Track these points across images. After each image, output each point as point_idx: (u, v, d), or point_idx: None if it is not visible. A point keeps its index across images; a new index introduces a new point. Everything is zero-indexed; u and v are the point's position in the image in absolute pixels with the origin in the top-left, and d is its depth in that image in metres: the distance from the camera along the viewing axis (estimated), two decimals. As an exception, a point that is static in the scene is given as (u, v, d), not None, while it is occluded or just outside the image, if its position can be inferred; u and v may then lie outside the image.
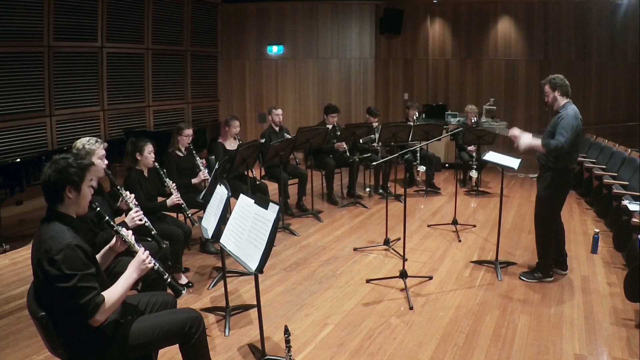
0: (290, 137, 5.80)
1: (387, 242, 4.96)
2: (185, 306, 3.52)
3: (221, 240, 2.90)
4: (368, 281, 4.13)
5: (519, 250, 4.88)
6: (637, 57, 8.55)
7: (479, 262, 4.54)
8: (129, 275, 2.18)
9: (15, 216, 6.02)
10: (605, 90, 9.04)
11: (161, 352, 2.66)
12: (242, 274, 4.28)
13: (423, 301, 3.79)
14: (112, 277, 2.44)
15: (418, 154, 6.89)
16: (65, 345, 2.03)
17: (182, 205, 4.09)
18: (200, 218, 3.65)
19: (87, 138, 3.23)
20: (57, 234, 1.97)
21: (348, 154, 6.53)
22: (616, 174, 5.91)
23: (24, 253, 4.90)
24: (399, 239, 5.00)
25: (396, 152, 6.02)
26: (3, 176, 4.97)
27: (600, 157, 6.95)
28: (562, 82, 3.91)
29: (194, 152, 4.86)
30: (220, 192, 3.31)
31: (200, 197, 4.25)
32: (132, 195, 3.32)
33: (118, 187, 3.33)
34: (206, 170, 4.81)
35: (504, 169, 4.42)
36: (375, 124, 6.83)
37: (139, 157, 3.99)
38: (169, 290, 2.53)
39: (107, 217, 2.31)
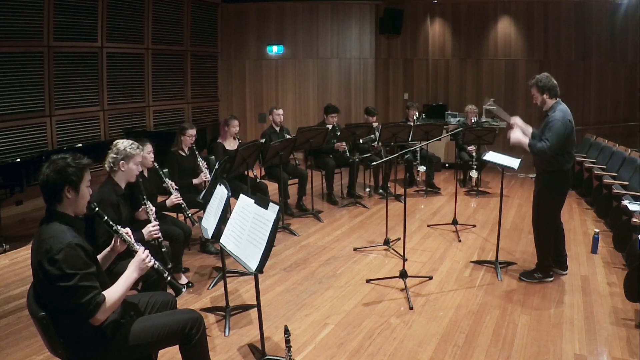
0: (290, 137, 5.80)
1: (387, 242, 4.96)
2: (185, 306, 3.53)
3: (221, 240, 2.90)
4: (368, 281, 4.13)
5: (519, 250, 4.88)
6: (637, 57, 8.55)
7: (479, 262, 4.54)
8: (129, 274, 2.18)
9: (15, 216, 6.03)
10: (605, 90, 9.04)
11: (161, 352, 2.66)
12: (242, 274, 4.28)
13: (423, 301, 3.79)
14: (112, 277, 2.44)
15: (418, 154, 6.89)
16: (65, 345, 2.03)
17: (182, 205, 4.09)
18: (200, 218, 3.65)
19: (130, 141, 3.30)
20: (57, 233, 1.97)
21: (348, 154, 6.53)
22: (616, 174, 5.91)
23: (24, 253, 4.90)
24: (399, 239, 5.00)
25: (396, 152, 6.02)
26: (3, 176, 4.97)
27: (600, 157, 6.95)
28: (549, 83, 3.83)
29: (197, 152, 4.86)
30: (220, 192, 3.31)
31: (200, 197, 4.26)
32: (154, 209, 3.35)
33: (144, 197, 3.34)
34: (207, 171, 4.82)
35: (504, 169, 4.42)
36: (375, 124, 6.83)
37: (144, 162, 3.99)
38: (169, 290, 2.53)
39: (105, 217, 2.31)
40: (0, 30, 5.98)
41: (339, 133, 6.51)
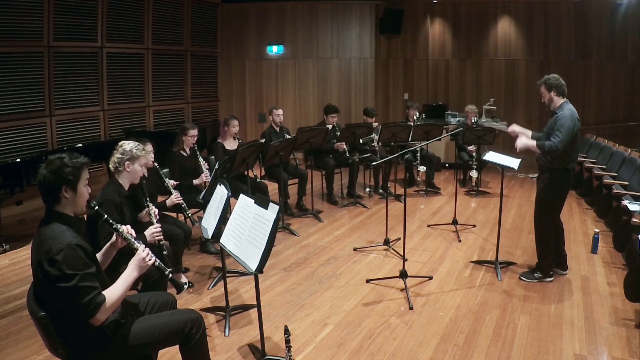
0: (290, 137, 5.80)
1: (387, 242, 4.96)
2: (185, 306, 3.53)
3: (221, 240, 2.90)
4: (368, 281, 4.14)
5: (519, 250, 4.88)
6: (637, 57, 8.55)
7: (479, 262, 4.54)
8: (129, 273, 2.18)
9: (15, 216, 6.02)
10: (605, 90, 9.04)
11: (161, 352, 2.66)
12: (242, 274, 4.28)
13: (423, 301, 3.79)
14: (117, 277, 2.44)
15: (418, 154, 6.89)
16: (66, 345, 2.03)
17: (182, 205, 4.09)
18: (200, 218, 3.65)
19: (136, 143, 3.31)
20: (56, 234, 1.97)
21: (348, 154, 6.53)
22: (616, 174, 5.91)
23: (24, 253, 4.90)
24: (399, 239, 5.00)
25: (396, 152, 6.02)
26: (3, 176, 4.97)
27: (600, 157, 6.95)
28: (557, 82, 3.89)
29: (198, 153, 4.86)
30: (220, 192, 3.31)
31: (200, 197, 4.26)
32: (156, 210, 3.34)
33: (147, 199, 3.34)
34: (208, 172, 4.81)
35: (504, 169, 4.43)
36: (374, 124, 6.83)
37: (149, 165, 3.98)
38: (169, 290, 2.53)
39: (105, 216, 2.31)
40: (0, 30, 5.98)
41: (338, 133, 6.51)
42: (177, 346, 2.33)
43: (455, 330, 3.35)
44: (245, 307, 3.66)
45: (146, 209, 3.36)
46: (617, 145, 6.78)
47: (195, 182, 4.81)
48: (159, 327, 2.22)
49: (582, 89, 9.00)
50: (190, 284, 4.09)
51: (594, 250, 4.77)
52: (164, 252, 3.19)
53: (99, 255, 2.33)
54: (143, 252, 2.23)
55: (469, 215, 6.13)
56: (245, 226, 2.72)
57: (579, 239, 5.20)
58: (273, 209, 2.56)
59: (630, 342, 3.14)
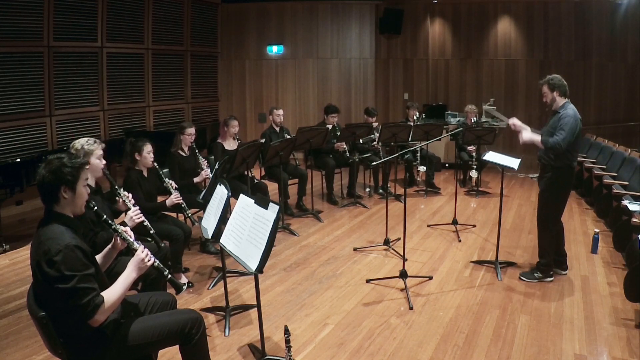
0: (290, 137, 5.80)
1: (387, 242, 4.96)
2: (185, 306, 3.53)
3: (221, 240, 2.90)
4: (368, 281, 4.13)
5: (519, 250, 4.88)
6: (637, 57, 8.55)
7: (479, 262, 4.54)
8: (129, 274, 2.18)
9: (15, 216, 6.02)
10: (605, 90, 9.03)
11: (161, 352, 2.66)
12: (242, 274, 4.28)
13: (423, 301, 3.79)
14: (112, 276, 2.44)
15: (418, 154, 6.89)
16: (65, 345, 2.03)
17: (182, 205, 4.09)
18: (200, 218, 3.65)
19: (86, 138, 3.24)
20: (55, 235, 1.97)
21: (348, 154, 6.53)
22: (616, 174, 5.91)
23: (24, 253, 4.89)
24: (399, 239, 5.00)
25: (396, 152, 6.02)
26: (3, 176, 4.97)
27: (600, 157, 6.95)
28: (560, 82, 3.93)
29: (197, 151, 4.86)
30: (220, 192, 3.31)
31: (200, 197, 4.26)
32: (130, 195, 3.31)
33: (117, 187, 3.32)
34: (209, 170, 4.82)
35: (504, 169, 4.42)
36: (375, 124, 6.83)
37: (137, 157, 3.99)
38: (169, 290, 2.53)
39: (105, 216, 2.31)
40: (0, 30, 5.98)
41: (339, 133, 6.51)
42: (177, 346, 2.33)
43: (455, 330, 3.35)
44: (245, 307, 3.66)
45: (119, 198, 3.33)
46: (617, 145, 6.78)
47: (196, 180, 4.81)
48: (158, 327, 2.22)
49: (582, 89, 8.99)
50: (190, 284, 4.10)
51: (594, 250, 4.77)
52: (151, 232, 3.17)
53: (99, 257, 2.33)
54: (142, 253, 2.23)
55: (469, 215, 6.13)
56: (245, 226, 2.72)
57: (579, 239, 5.20)
58: (273, 209, 2.56)
59: (630, 342, 3.14)
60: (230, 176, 4.94)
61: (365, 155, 6.73)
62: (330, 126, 6.46)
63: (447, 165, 8.96)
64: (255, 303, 3.01)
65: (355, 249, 4.92)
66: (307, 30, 10.01)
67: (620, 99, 8.94)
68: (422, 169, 6.91)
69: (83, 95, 7.23)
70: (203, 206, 4.09)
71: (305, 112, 10.23)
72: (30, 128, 6.46)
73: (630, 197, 4.87)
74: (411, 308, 3.66)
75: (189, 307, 3.42)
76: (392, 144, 6.42)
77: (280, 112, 6.30)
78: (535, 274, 4.12)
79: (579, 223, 5.78)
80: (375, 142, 6.73)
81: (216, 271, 4.37)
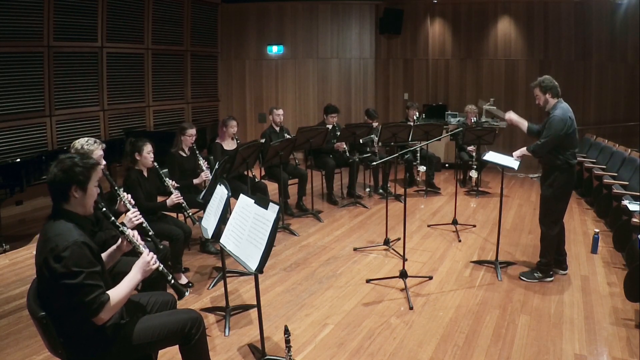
0: (290, 137, 5.80)
1: (387, 242, 4.96)
2: (185, 306, 3.53)
3: (221, 240, 2.90)
4: (368, 281, 4.13)
5: (519, 250, 4.88)
6: (637, 57, 8.55)
7: (479, 262, 4.54)
8: (134, 276, 2.18)
9: (15, 216, 6.03)
10: (605, 90, 9.03)
11: (161, 352, 2.66)
12: (242, 274, 4.28)
13: (423, 301, 3.79)
14: (113, 276, 2.44)
15: (418, 154, 6.89)
16: (66, 345, 2.03)
17: (182, 205, 4.09)
18: (201, 218, 3.65)
19: (86, 138, 3.23)
20: (63, 231, 1.97)
21: (348, 154, 6.53)
22: (616, 174, 5.91)
23: (24, 253, 4.90)
24: (399, 239, 5.00)
25: (396, 152, 6.02)
26: (3, 176, 4.97)
27: (600, 157, 6.95)
28: (551, 83, 3.94)
29: (197, 152, 4.86)
30: (220, 192, 3.31)
31: (200, 197, 4.26)
32: (129, 196, 3.31)
33: (116, 188, 3.32)
34: (208, 171, 4.82)
35: (504, 169, 4.42)
36: (375, 125, 6.83)
37: (137, 157, 3.99)
38: (169, 290, 2.53)
39: (112, 218, 2.32)
40: (0, 30, 5.98)
41: (338, 133, 6.51)
42: (177, 346, 2.33)
43: (455, 330, 3.35)
44: (245, 307, 3.66)
45: (118, 199, 3.33)
46: (617, 145, 6.78)
47: (196, 181, 4.81)
48: (158, 327, 2.22)
49: (582, 89, 8.99)
50: (190, 284, 4.10)
51: (594, 250, 4.77)
52: (150, 234, 3.17)
53: (103, 256, 2.33)
54: (148, 256, 2.24)
55: (469, 215, 6.13)
56: (245, 226, 2.72)
57: (579, 239, 5.20)
58: (273, 209, 2.56)
59: (630, 342, 3.14)
60: (230, 176, 4.94)
61: (365, 155, 6.73)
62: (330, 126, 6.46)
63: (447, 165, 8.96)
64: (255, 303, 3.01)
65: (355, 249, 4.92)
66: (307, 30, 10.01)
67: (620, 99, 8.94)
68: (422, 169, 6.91)
69: (83, 95, 7.23)
70: (203, 206, 4.09)
71: (305, 112, 10.23)
72: (30, 128, 6.46)
73: (630, 197, 4.88)
74: (411, 308, 3.66)
75: (189, 307, 3.42)
76: (392, 144, 6.42)
77: (280, 112, 6.30)
78: (535, 274, 4.12)
79: (579, 223, 5.78)
80: (375, 143, 6.72)
81: (216, 271, 4.37)
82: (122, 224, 2.90)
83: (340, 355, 3.06)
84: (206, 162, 4.93)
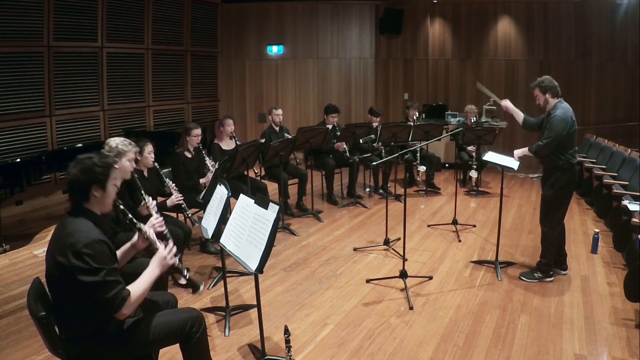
0: (290, 137, 5.80)
1: (387, 242, 4.96)
2: (185, 306, 3.53)
3: (221, 240, 2.90)
4: (368, 281, 4.14)
5: (519, 250, 4.88)
6: (637, 57, 8.54)
7: (479, 262, 4.54)
8: (152, 270, 2.21)
9: (15, 216, 6.03)
10: (605, 90, 9.03)
11: (161, 352, 2.66)
12: (242, 274, 4.28)
13: (423, 301, 3.79)
14: (124, 277, 2.44)
15: (418, 154, 6.89)
16: (67, 343, 2.03)
17: (182, 205, 4.09)
18: (200, 218, 3.65)
19: (122, 139, 3.28)
20: (84, 228, 1.99)
21: (348, 154, 6.53)
22: (616, 174, 5.91)
23: (24, 253, 4.90)
24: (399, 239, 5.00)
25: (396, 152, 6.02)
26: (3, 176, 4.97)
27: (600, 157, 6.95)
28: (550, 83, 3.94)
29: (203, 152, 4.86)
30: (220, 192, 3.31)
31: (200, 197, 4.26)
32: (154, 202, 3.33)
33: (142, 192, 3.33)
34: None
35: (503, 169, 4.42)
36: (375, 124, 6.83)
37: (138, 157, 3.99)
38: (171, 290, 2.53)
39: (130, 215, 2.33)
40: (0, 30, 5.98)
41: (339, 133, 6.51)
42: (178, 345, 2.34)
43: (455, 330, 3.35)
44: (245, 307, 3.66)
45: (143, 202, 3.35)
46: (617, 145, 6.78)
47: (202, 180, 4.82)
48: (159, 326, 2.22)
49: (582, 89, 8.99)
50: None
51: (594, 250, 4.77)
52: (169, 238, 3.19)
53: (118, 253, 2.34)
54: (164, 251, 2.26)
55: (469, 215, 6.13)
56: (245, 226, 2.72)
57: (579, 239, 5.20)
58: (273, 209, 2.56)
59: (630, 342, 3.14)
60: (230, 176, 4.94)
61: (365, 155, 6.73)
62: (330, 126, 6.46)
63: (447, 165, 8.96)
64: (255, 303, 3.01)
65: (355, 249, 4.92)
66: (307, 30, 10.01)
67: (620, 99, 8.93)
68: (422, 169, 6.91)
69: (83, 95, 7.22)
70: (203, 206, 4.09)
71: (305, 112, 10.23)
72: (30, 128, 6.45)
73: (630, 197, 4.88)
74: (411, 308, 3.66)
75: (189, 307, 3.42)
76: (392, 144, 6.42)
77: (280, 112, 6.30)
78: (535, 274, 4.12)
79: (579, 223, 5.78)
80: (375, 143, 6.73)
81: (216, 271, 4.37)
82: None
83: (340, 355, 3.06)
84: (212, 162, 4.93)
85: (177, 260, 2.34)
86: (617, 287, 3.96)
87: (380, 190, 7.06)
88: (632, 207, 4.42)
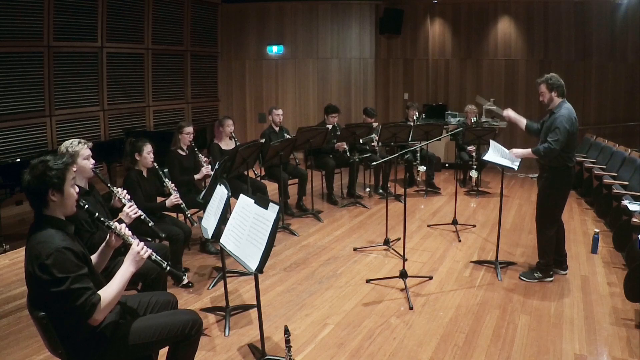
0: (290, 137, 5.80)
1: (387, 242, 4.96)
2: (185, 306, 3.54)
3: (221, 240, 2.90)
4: (368, 281, 4.13)
5: (519, 250, 4.88)
6: (637, 57, 8.54)
7: (479, 262, 4.54)
8: (125, 269, 2.14)
9: (15, 216, 6.02)
10: (605, 90, 9.03)
11: (161, 352, 2.66)
12: (242, 274, 4.28)
13: (423, 301, 3.79)
14: (111, 277, 2.43)
15: (418, 154, 6.88)
16: (65, 346, 2.03)
17: (182, 206, 4.09)
18: (200, 218, 3.65)
19: (71, 140, 3.17)
20: (45, 238, 1.95)
21: (348, 154, 6.53)
22: (616, 174, 5.91)
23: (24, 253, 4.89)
24: (399, 239, 4.99)
25: (396, 152, 6.02)
26: (3, 176, 4.97)
27: (600, 157, 6.95)
28: (558, 82, 3.91)
29: (196, 149, 4.87)
30: (220, 192, 3.31)
31: (200, 197, 4.26)
32: (124, 192, 3.29)
33: (109, 185, 3.31)
34: (209, 166, 4.83)
35: (504, 169, 4.42)
36: (374, 124, 6.83)
37: (137, 158, 3.99)
38: (170, 290, 2.53)
39: (97, 214, 2.28)
40: (0, 30, 5.98)
41: (339, 133, 6.51)
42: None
43: (455, 330, 3.34)
44: (245, 307, 3.66)
45: (113, 194, 3.31)
46: (617, 145, 6.78)
47: (197, 176, 4.82)
48: (159, 327, 2.22)
49: (582, 89, 8.99)
50: (190, 284, 4.10)
51: (594, 250, 4.77)
52: (150, 225, 3.21)
53: (94, 257, 2.32)
54: (137, 246, 2.19)
55: (469, 215, 6.13)
56: (245, 226, 2.72)
57: (579, 239, 5.20)
58: (273, 209, 2.56)
59: (630, 342, 3.14)
60: (230, 176, 4.94)
61: (365, 155, 6.73)
62: (330, 126, 6.46)
63: (447, 165, 8.96)
64: (255, 303, 3.01)
65: (355, 249, 4.92)
66: (307, 30, 10.01)
67: (620, 99, 8.93)
68: (422, 169, 6.91)
69: (83, 95, 7.22)
70: (203, 206, 4.09)
71: (305, 112, 10.23)
72: (30, 128, 6.46)
73: (630, 197, 4.87)
74: (411, 308, 3.66)
75: (189, 308, 3.42)
76: (392, 144, 6.42)
77: (280, 112, 6.30)
78: (535, 274, 4.12)
79: (579, 223, 5.78)
80: (375, 143, 6.72)
81: (216, 271, 4.37)
82: (120, 220, 2.90)
83: (340, 355, 3.06)
84: (205, 158, 4.94)
85: (153, 254, 2.26)
86: (617, 287, 3.96)
87: (380, 190, 7.06)
88: (632, 207, 4.42)
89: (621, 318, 3.46)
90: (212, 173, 4.69)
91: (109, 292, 2.04)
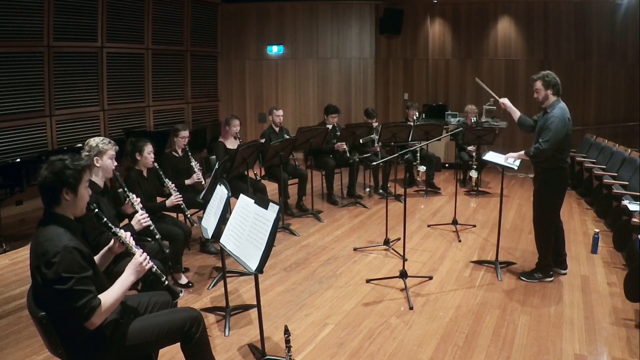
0: (289, 137, 5.80)
1: (387, 242, 4.96)
2: (185, 306, 3.52)
3: (221, 240, 2.90)
4: (368, 281, 4.13)
5: (519, 250, 4.88)
6: (637, 57, 8.55)
7: (479, 262, 4.54)
8: (126, 277, 2.16)
9: (15, 216, 6.03)
10: (605, 90, 9.04)
11: (161, 352, 2.66)
12: (242, 274, 4.28)
13: (423, 301, 3.79)
14: (111, 277, 2.44)
15: (418, 154, 6.88)
16: (65, 346, 2.03)
17: (182, 206, 4.09)
18: (200, 218, 3.65)
19: (101, 138, 3.26)
20: (53, 236, 1.96)
21: (348, 154, 6.53)
22: (616, 174, 5.91)
23: (24, 253, 4.89)
24: (399, 239, 4.99)
25: (396, 152, 6.02)
26: (3, 176, 4.97)
27: (600, 157, 6.94)
28: (555, 80, 3.88)
29: (190, 154, 4.87)
30: (220, 192, 3.31)
31: (200, 197, 4.26)
32: (138, 199, 3.32)
33: (125, 190, 3.33)
34: (200, 173, 4.81)
35: (504, 169, 4.42)
36: (374, 124, 6.83)
37: (138, 158, 3.99)
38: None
39: (105, 219, 2.30)
40: (0, 30, 5.98)
41: (339, 133, 6.51)
42: (178, 346, 2.33)
43: (455, 330, 3.35)
44: (245, 307, 3.66)
45: (127, 200, 3.34)
46: (617, 145, 6.77)
47: (187, 181, 4.80)
48: (158, 326, 2.22)
49: (582, 89, 9.00)
50: (191, 284, 4.10)
51: (594, 250, 4.77)
52: (157, 237, 3.18)
53: (96, 258, 2.32)
54: (140, 257, 2.21)
55: (469, 215, 6.13)
56: (245, 226, 2.72)
57: (579, 239, 5.20)
58: (273, 209, 2.56)
59: (630, 342, 3.14)
60: (230, 176, 4.94)
61: (365, 155, 6.73)
62: (330, 126, 6.47)
63: (447, 165, 8.96)
64: (255, 303, 3.01)
65: (355, 249, 4.92)
66: (307, 30, 10.01)
67: (620, 99, 8.94)
68: (422, 169, 6.91)
69: (83, 95, 7.22)
70: (203, 206, 4.09)
71: (305, 112, 10.23)
72: (30, 128, 6.45)
73: (630, 197, 4.87)
74: (411, 308, 3.66)
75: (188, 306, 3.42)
76: (392, 144, 6.42)
77: (280, 112, 6.30)
78: (535, 274, 4.12)
79: (579, 223, 5.78)
80: (375, 143, 6.73)
81: (216, 271, 4.37)
82: (129, 225, 2.91)
83: (340, 355, 3.06)
84: (198, 164, 4.92)
85: (154, 266, 2.30)
86: (617, 287, 3.96)
87: (380, 190, 7.06)
88: (632, 207, 4.42)
89: (621, 318, 3.46)
90: (202, 179, 4.71)
91: (108, 298, 2.05)
